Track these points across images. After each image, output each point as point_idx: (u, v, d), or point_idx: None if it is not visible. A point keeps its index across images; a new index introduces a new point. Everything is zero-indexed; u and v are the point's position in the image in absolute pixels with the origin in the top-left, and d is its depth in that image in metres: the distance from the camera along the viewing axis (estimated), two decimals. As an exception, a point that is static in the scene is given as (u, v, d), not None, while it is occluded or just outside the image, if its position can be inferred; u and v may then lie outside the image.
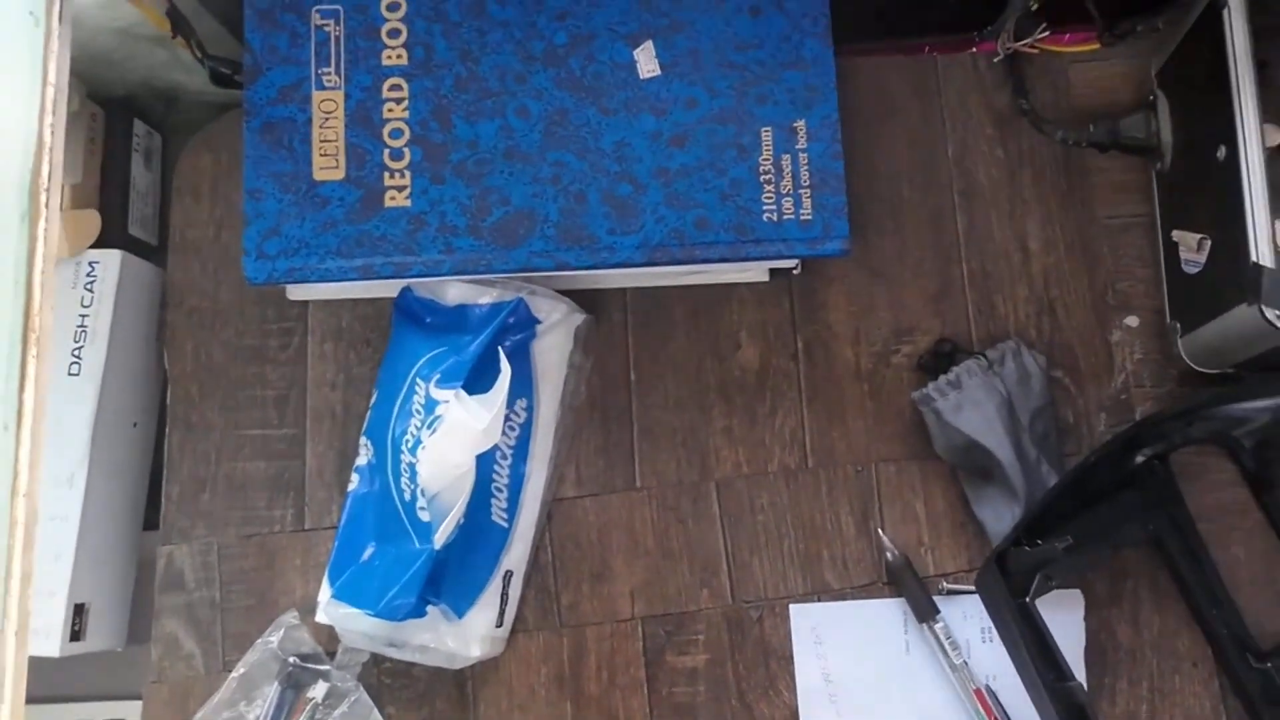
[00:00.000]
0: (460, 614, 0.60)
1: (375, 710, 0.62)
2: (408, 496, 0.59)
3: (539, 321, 0.64)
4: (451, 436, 0.57)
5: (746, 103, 0.62)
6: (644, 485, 0.65)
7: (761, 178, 0.61)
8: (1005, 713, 0.59)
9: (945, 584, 0.62)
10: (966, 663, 0.60)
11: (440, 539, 0.57)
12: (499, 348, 0.59)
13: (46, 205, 0.44)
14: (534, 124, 0.62)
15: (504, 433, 0.62)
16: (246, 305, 0.69)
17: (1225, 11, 0.53)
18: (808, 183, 0.61)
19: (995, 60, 0.67)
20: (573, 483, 0.66)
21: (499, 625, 0.62)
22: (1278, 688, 0.57)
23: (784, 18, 0.63)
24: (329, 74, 0.62)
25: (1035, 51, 0.66)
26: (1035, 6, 0.65)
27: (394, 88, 0.62)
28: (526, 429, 0.64)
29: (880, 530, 0.63)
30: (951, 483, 0.63)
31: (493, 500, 0.62)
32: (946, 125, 0.68)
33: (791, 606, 0.63)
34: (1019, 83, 0.67)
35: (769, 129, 0.62)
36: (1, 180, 0.43)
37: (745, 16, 0.63)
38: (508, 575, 0.62)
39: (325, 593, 0.61)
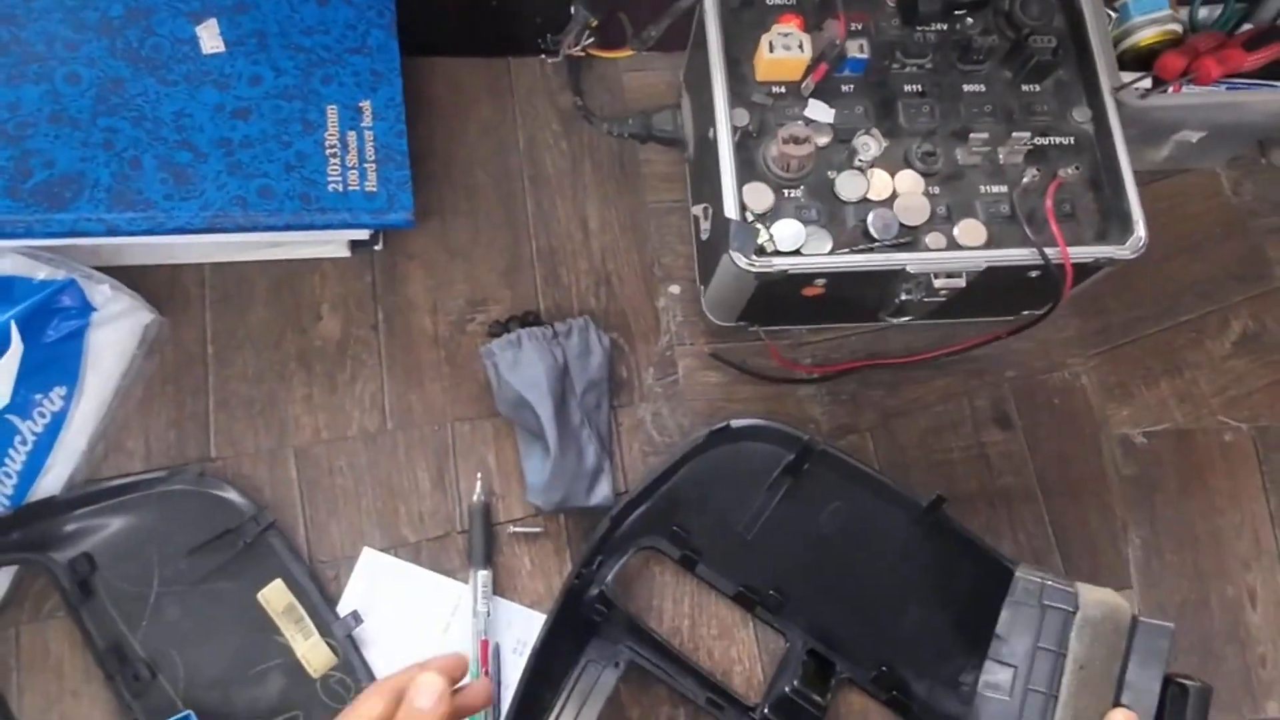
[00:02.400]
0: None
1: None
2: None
3: (94, 310, 0.62)
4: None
5: (312, 82, 0.66)
6: (219, 455, 0.65)
7: (327, 151, 0.65)
8: (499, 671, 0.63)
9: (514, 527, 0.66)
10: (490, 614, 0.63)
11: None
12: (11, 322, 0.57)
13: None
14: (85, 90, 0.61)
15: (30, 418, 0.60)
16: None
17: (702, 16, 0.64)
18: (373, 158, 0.65)
19: (555, 62, 0.75)
20: (141, 457, 0.64)
21: None
22: None
23: (350, 8, 0.68)
24: None
25: (584, 55, 0.75)
26: (595, 23, 0.74)
27: (-79, 45, 0.59)
28: (60, 418, 0.62)
29: (478, 477, 0.67)
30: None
31: (-3, 486, 0.60)
32: (518, 119, 0.76)
33: (366, 549, 0.64)
34: (577, 84, 0.76)
35: (334, 107, 0.66)
36: None
37: (312, 4, 0.67)
38: None
39: None
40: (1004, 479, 0.72)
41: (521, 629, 0.64)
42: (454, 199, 0.73)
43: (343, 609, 0.63)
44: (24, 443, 0.60)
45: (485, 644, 0.62)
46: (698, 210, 0.68)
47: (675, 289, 0.74)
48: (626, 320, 0.73)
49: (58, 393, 0.62)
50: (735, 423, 0.65)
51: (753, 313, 0.67)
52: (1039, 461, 0.73)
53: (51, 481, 0.62)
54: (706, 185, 0.67)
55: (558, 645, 0.61)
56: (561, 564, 0.66)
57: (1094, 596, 0.56)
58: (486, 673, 0.62)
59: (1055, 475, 0.73)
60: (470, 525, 0.66)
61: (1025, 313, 0.73)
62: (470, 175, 0.74)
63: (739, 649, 0.66)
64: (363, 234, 0.68)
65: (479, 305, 0.71)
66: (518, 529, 0.67)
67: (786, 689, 0.63)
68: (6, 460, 0.60)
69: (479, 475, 0.67)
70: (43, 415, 0.61)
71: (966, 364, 0.74)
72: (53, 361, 0.61)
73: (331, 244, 0.69)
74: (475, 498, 0.66)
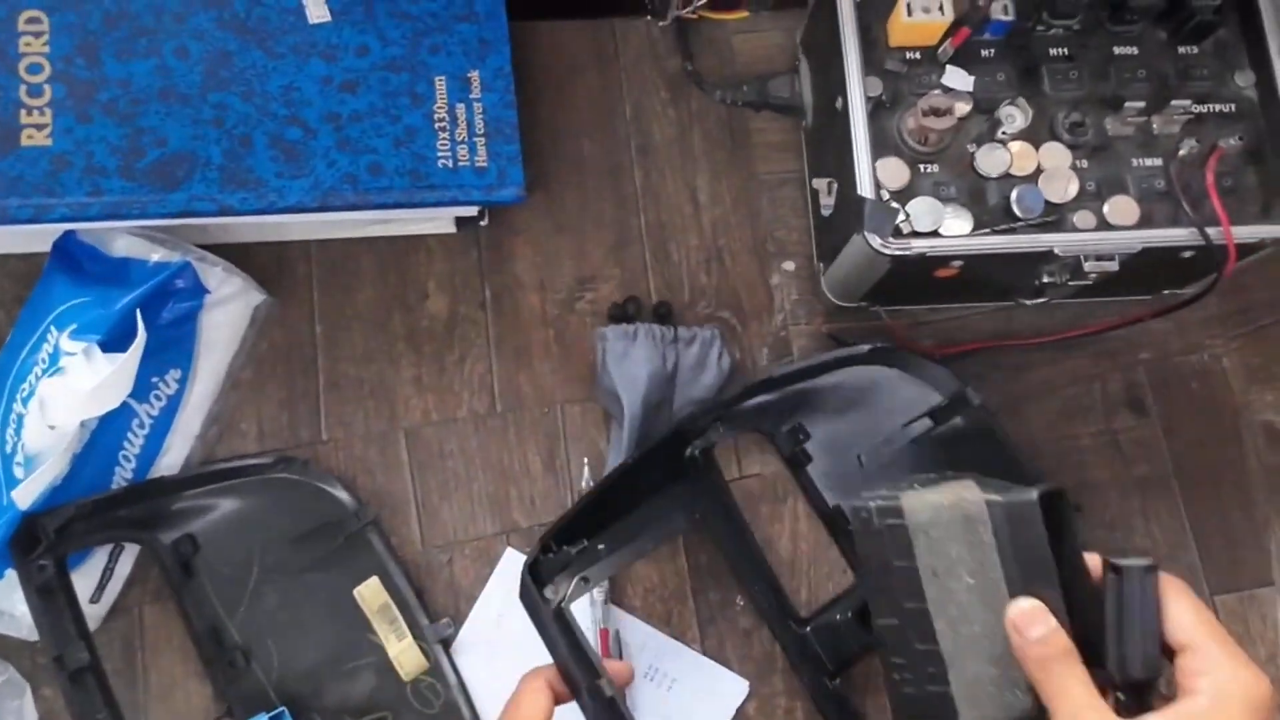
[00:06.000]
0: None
1: (28, 690, 0.57)
2: (9, 449, 0.55)
3: (208, 292, 0.62)
4: (59, 394, 0.53)
5: (419, 52, 0.63)
6: (330, 437, 0.65)
7: (436, 125, 0.62)
8: (621, 657, 0.61)
9: (626, 514, 0.65)
10: (609, 603, 0.62)
11: (24, 499, 0.53)
12: (137, 310, 0.56)
13: None
14: (194, 65, 0.60)
15: (147, 401, 0.59)
16: None
17: (836, -22, 0.60)
18: (482, 131, 0.63)
19: (663, 25, 0.72)
20: (254, 438, 0.64)
21: (94, 600, 0.58)
22: (814, 650, 0.62)
23: (456, -27, 0.65)
24: (-47, 3, 0.57)
25: (695, 18, 0.71)
26: (705, -20, 0.70)
27: (32, 20, 0.58)
28: (175, 401, 0.61)
29: (585, 463, 0.65)
30: (631, 419, 0.67)
31: (118, 469, 0.59)
32: (624, 86, 0.72)
33: (510, 550, 0.64)
34: (686, 48, 0.72)
35: (443, 78, 0.63)
36: None
37: (417, -31, 0.64)
38: (117, 550, 0.59)
39: None
40: (1137, 468, 0.68)
41: (653, 654, 0.62)
42: (560, 171, 0.70)
43: (481, 608, 0.62)
44: (141, 426, 0.60)
45: (605, 632, 0.61)
46: (820, 184, 0.64)
47: (790, 265, 0.71)
48: (739, 298, 0.70)
49: (173, 375, 0.61)
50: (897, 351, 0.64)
51: (877, 293, 0.64)
52: (1175, 449, 0.69)
53: (169, 464, 0.62)
54: (830, 158, 0.64)
55: (649, 470, 0.60)
56: (673, 550, 0.65)
57: (922, 501, 0.45)
58: (607, 658, 0.61)
59: (1192, 464, 0.69)
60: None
61: (1166, 292, 0.68)
62: (576, 146, 0.71)
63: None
64: (470, 210, 0.66)
65: (587, 283, 0.69)
66: (631, 515, 0.65)
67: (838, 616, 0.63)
68: (126, 444, 0.59)
69: (586, 461, 0.66)
70: (159, 398, 0.61)
71: (1097, 345, 0.70)
72: (168, 344, 0.60)
73: (438, 220, 0.67)
74: (584, 483, 0.65)
